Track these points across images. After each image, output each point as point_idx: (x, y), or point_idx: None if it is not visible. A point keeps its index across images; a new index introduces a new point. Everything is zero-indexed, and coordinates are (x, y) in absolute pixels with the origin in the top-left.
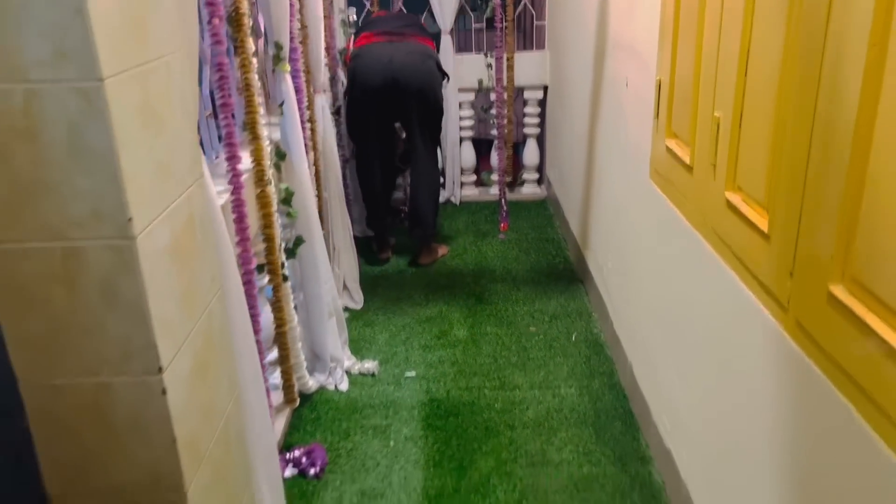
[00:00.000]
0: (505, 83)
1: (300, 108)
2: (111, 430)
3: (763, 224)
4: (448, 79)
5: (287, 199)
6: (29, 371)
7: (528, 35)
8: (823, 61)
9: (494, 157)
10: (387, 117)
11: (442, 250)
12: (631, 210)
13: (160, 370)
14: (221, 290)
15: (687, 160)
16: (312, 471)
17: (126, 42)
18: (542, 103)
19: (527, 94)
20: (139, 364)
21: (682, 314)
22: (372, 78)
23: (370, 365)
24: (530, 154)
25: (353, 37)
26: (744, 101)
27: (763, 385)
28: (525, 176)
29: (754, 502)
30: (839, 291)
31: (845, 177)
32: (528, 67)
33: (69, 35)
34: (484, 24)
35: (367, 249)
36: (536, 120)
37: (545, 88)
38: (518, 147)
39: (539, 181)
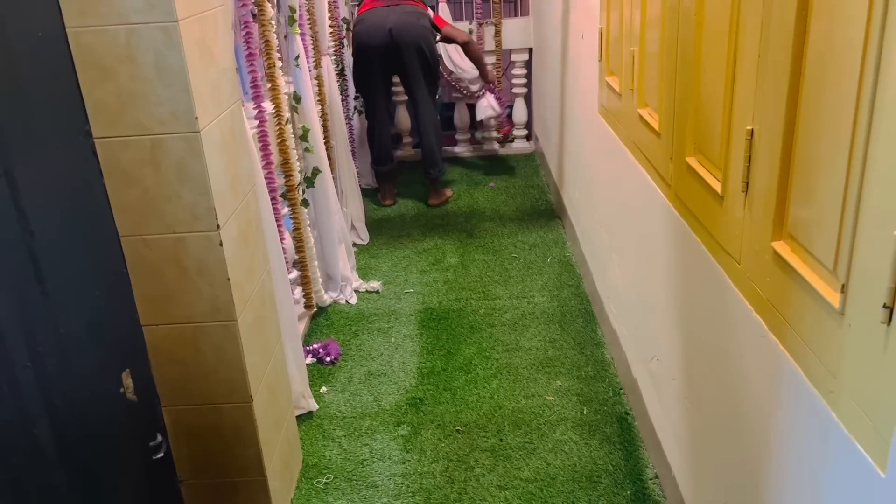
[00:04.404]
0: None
1: (308, 65)
2: (184, 272)
3: (655, 125)
4: (440, 35)
5: (304, 136)
6: (127, 229)
7: (515, 3)
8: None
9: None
10: (387, 70)
11: (448, 192)
12: (587, 142)
13: (218, 227)
14: (255, 189)
15: (617, 88)
16: (328, 359)
17: None
18: (528, 65)
19: (514, 57)
20: (204, 223)
21: (618, 214)
22: (373, 36)
23: (375, 284)
24: (519, 112)
25: (356, 7)
26: (644, 40)
27: (658, 243)
28: (515, 132)
29: (657, 329)
30: (693, 162)
31: (692, 87)
32: (515, 33)
33: None
34: None
35: (373, 198)
36: (524, 81)
37: (530, 51)
38: (508, 107)
39: (528, 137)
